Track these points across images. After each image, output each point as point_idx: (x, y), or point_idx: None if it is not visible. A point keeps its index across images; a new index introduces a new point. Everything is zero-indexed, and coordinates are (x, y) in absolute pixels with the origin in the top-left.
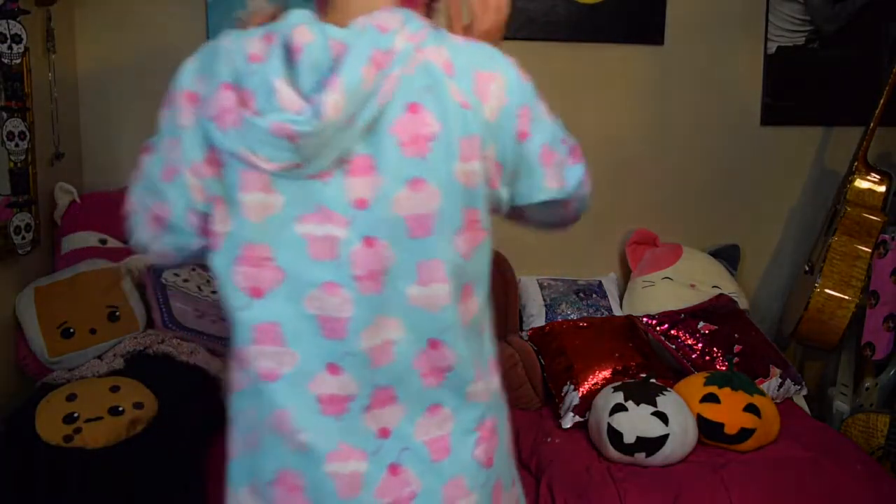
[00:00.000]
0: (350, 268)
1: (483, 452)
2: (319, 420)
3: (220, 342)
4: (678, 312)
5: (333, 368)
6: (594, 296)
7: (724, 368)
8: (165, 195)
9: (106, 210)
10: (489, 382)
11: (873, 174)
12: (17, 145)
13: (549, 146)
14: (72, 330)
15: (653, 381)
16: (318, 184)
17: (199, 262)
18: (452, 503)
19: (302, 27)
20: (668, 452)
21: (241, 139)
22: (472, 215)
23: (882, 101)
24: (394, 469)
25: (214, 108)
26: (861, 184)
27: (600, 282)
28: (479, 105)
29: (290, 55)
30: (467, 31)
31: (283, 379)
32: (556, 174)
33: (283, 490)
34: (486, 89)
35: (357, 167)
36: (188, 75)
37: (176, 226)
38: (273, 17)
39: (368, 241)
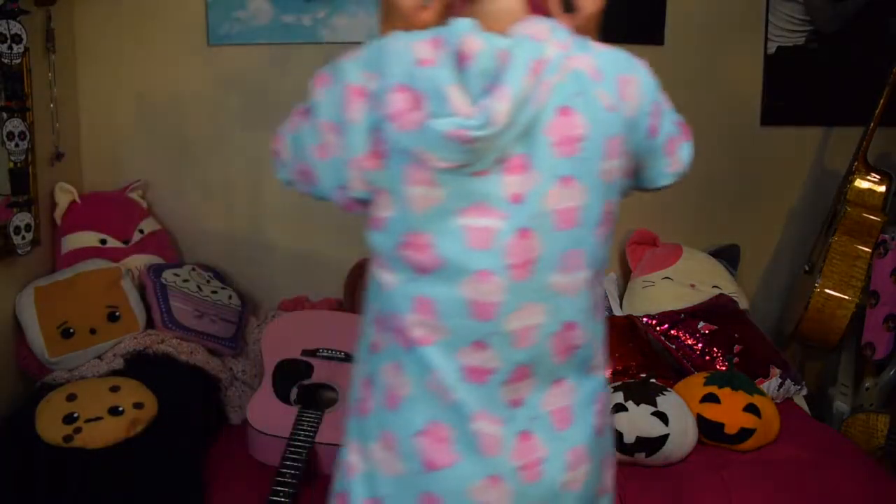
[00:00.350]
0: (504, 257)
1: (599, 423)
2: (464, 384)
3: (220, 342)
4: (678, 312)
5: (479, 345)
6: None
7: (724, 368)
8: (316, 168)
9: (106, 210)
10: (604, 359)
11: (873, 174)
12: (17, 145)
13: (671, 135)
14: (72, 330)
15: (653, 381)
16: (478, 180)
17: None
18: (574, 468)
19: (472, 36)
20: (668, 452)
21: (418, 140)
22: (608, 207)
23: (882, 101)
24: (524, 436)
25: (390, 108)
26: (861, 184)
27: None
28: (622, 106)
29: (459, 61)
30: (572, 18)
31: (435, 345)
32: (676, 158)
33: (431, 441)
34: (627, 91)
35: (513, 165)
36: (354, 70)
37: (320, 190)
38: (438, 16)
39: (522, 232)
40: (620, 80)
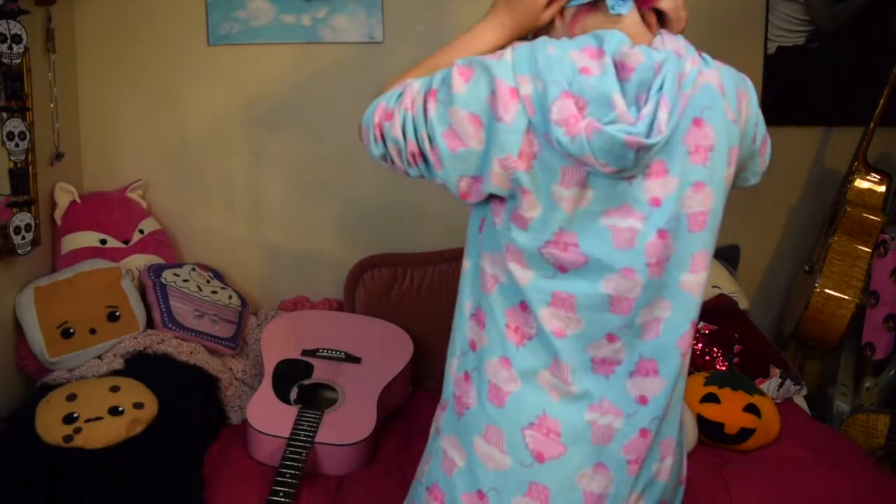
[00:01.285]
0: (644, 256)
1: (679, 416)
2: (590, 375)
3: (220, 342)
4: None
5: (611, 337)
6: None
7: (724, 368)
8: (441, 154)
9: (106, 210)
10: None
11: (873, 174)
12: (17, 145)
13: (764, 137)
14: (72, 330)
15: None
16: (625, 184)
17: None
18: (664, 458)
19: (636, 49)
20: None
21: (586, 146)
22: (723, 211)
23: (882, 101)
24: (644, 433)
25: (558, 114)
26: (861, 184)
27: None
28: (740, 119)
29: (620, 72)
30: (671, 32)
31: (567, 338)
32: (765, 158)
33: (540, 434)
34: (743, 105)
35: (654, 171)
36: (507, 71)
37: (439, 175)
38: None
39: (661, 233)
40: (739, 94)
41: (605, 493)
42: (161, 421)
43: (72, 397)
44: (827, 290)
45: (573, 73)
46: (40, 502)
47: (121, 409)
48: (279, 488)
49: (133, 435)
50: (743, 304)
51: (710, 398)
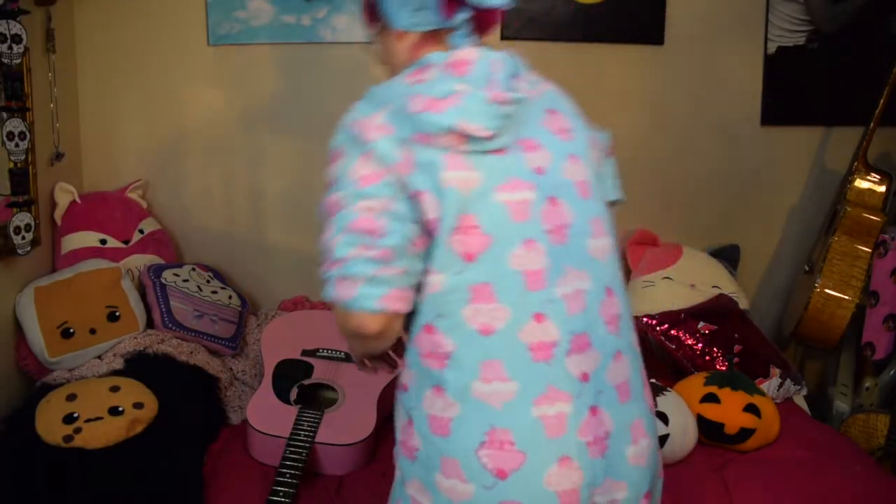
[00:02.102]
0: (541, 223)
1: (649, 399)
2: (531, 367)
3: (220, 342)
4: (678, 312)
5: (539, 317)
6: None
7: (724, 368)
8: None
9: (106, 210)
10: (636, 338)
11: (873, 174)
12: (17, 145)
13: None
14: (72, 330)
15: (653, 381)
16: (507, 160)
17: None
18: (636, 441)
19: (469, 48)
20: (668, 453)
21: (458, 113)
22: (604, 190)
23: (882, 101)
24: (593, 410)
25: (417, 105)
26: (861, 184)
27: None
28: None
29: (456, 69)
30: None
31: (496, 333)
32: (617, 183)
33: (494, 449)
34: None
35: (529, 146)
36: (357, 113)
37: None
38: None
39: (552, 200)
40: (571, 103)
41: (577, 485)
42: (161, 421)
43: (72, 397)
44: (827, 290)
45: (412, 85)
46: (40, 502)
47: (121, 409)
48: (279, 488)
49: (133, 435)
50: (743, 304)
51: (710, 398)
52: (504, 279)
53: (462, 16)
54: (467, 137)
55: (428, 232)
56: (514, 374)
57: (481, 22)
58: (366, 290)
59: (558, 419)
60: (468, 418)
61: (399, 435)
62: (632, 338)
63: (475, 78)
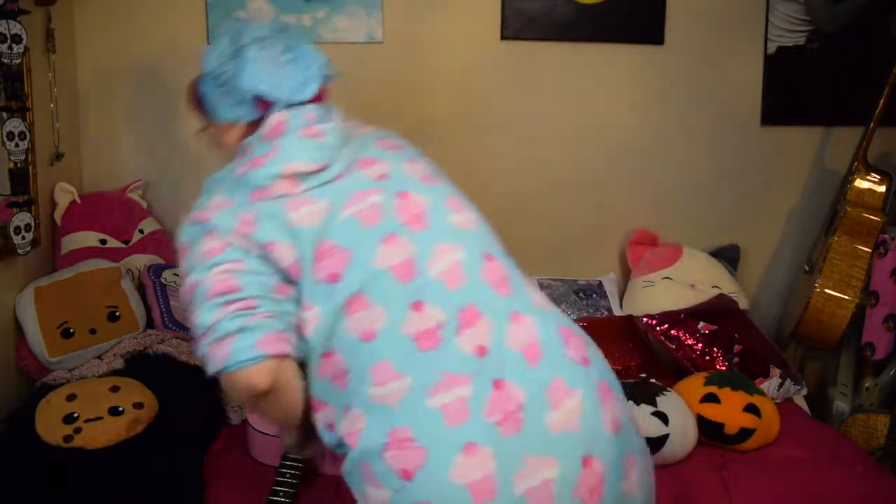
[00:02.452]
0: (397, 218)
1: (573, 351)
2: (419, 358)
3: None
4: (678, 312)
5: (417, 305)
6: (594, 296)
7: (724, 368)
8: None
9: (106, 210)
10: (543, 297)
11: (873, 174)
12: (17, 145)
13: None
14: (72, 330)
15: (653, 381)
16: (345, 182)
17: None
18: (558, 405)
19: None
20: (668, 453)
21: (287, 150)
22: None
23: (882, 101)
24: (497, 384)
25: (247, 165)
26: (861, 184)
27: (600, 282)
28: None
29: (274, 132)
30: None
31: (379, 335)
32: None
33: (396, 450)
34: None
35: (366, 163)
36: (199, 204)
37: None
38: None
39: (401, 195)
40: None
41: (490, 472)
42: (161, 421)
43: (72, 397)
44: (827, 290)
45: (238, 161)
46: (40, 502)
47: (121, 409)
48: (279, 488)
49: (133, 435)
50: (743, 304)
51: (710, 398)
52: (373, 282)
53: (277, 109)
54: (297, 178)
55: (291, 279)
56: (405, 370)
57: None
58: (238, 343)
59: (458, 405)
60: (371, 425)
61: (343, 466)
62: (532, 297)
63: (290, 129)
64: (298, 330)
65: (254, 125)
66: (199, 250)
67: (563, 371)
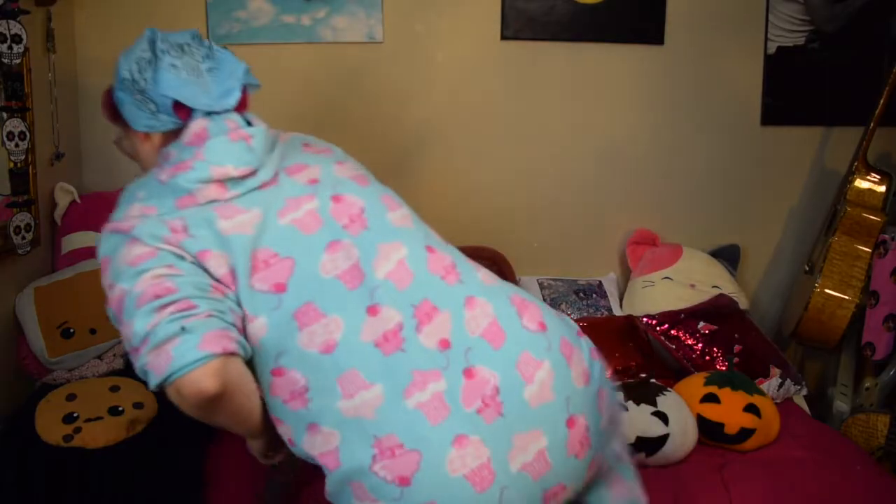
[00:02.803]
0: (335, 222)
1: (529, 320)
2: (387, 363)
3: None
4: (678, 312)
5: (373, 309)
6: (594, 296)
7: (724, 368)
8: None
9: (106, 210)
10: (488, 273)
11: (873, 174)
12: (17, 145)
13: None
14: (72, 330)
15: (653, 381)
16: (275, 189)
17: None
18: (531, 379)
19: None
20: (668, 453)
21: (212, 155)
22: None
23: (882, 101)
24: (468, 373)
25: (172, 171)
26: (861, 184)
27: (600, 282)
28: None
29: (196, 140)
30: None
31: (338, 347)
32: None
33: (387, 458)
34: None
35: (294, 169)
36: (118, 213)
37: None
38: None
39: (335, 198)
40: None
41: (485, 458)
42: (161, 421)
43: (72, 397)
44: (827, 290)
45: (158, 169)
46: (40, 502)
47: (121, 408)
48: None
49: (133, 435)
50: (743, 304)
51: (710, 398)
52: (323, 291)
53: (197, 116)
54: (225, 183)
55: (226, 287)
56: (374, 377)
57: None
58: (180, 347)
59: (436, 401)
60: (350, 440)
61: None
62: (480, 276)
63: (214, 134)
64: (243, 334)
65: (173, 134)
66: (123, 258)
67: (527, 344)
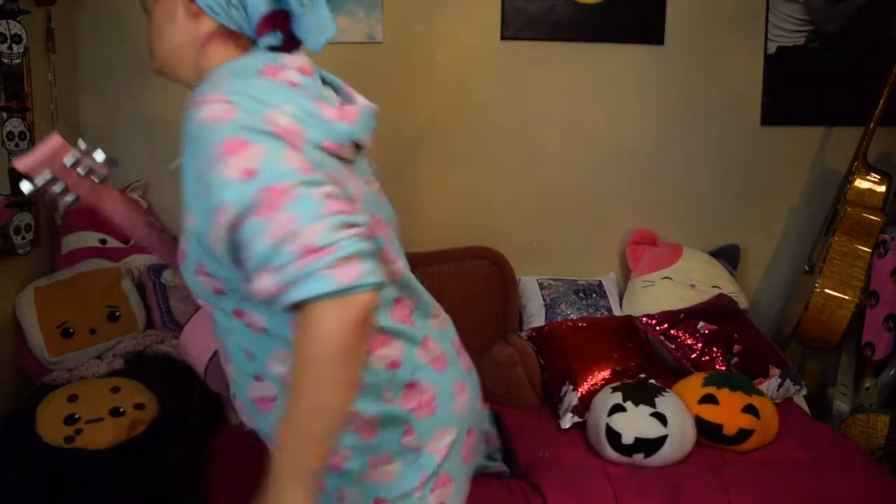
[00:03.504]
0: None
1: (465, 359)
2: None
3: None
4: (678, 312)
5: (400, 301)
6: (594, 296)
7: (723, 368)
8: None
9: None
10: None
11: (873, 174)
12: (17, 145)
13: None
14: (72, 330)
15: (652, 381)
16: (364, 160)
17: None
18: (461, 351)
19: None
20: (667, 453)
21: (360, 125)
22: None
23: (882, 101)
24: (454, 341)
25: (331, 114)
26: (861, 184)
27: (600, 282)
28: None
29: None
30: None
31: (447, 367)
32: None
33: (459, 395)
34: None
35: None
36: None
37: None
38: None
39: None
40: None
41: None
42: (161, 421)
43: (73, 398)
44: (827, 290)
45: (291, 87)
46: (40, 503)
47: (122, 410)
48: None
49: (134, 436)
50: (743, 304)
51: (709, 399)
52: (408, 284)
53: (269, 39)
54: (355, 150)
55: None
56: (428, 335)
57: (280, 48)
58: (368, 265)
59: (443, 356)
60: (452, 370)
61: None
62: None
63: (322, 87)
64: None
65: (226, 36)
66: (279, 159)
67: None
